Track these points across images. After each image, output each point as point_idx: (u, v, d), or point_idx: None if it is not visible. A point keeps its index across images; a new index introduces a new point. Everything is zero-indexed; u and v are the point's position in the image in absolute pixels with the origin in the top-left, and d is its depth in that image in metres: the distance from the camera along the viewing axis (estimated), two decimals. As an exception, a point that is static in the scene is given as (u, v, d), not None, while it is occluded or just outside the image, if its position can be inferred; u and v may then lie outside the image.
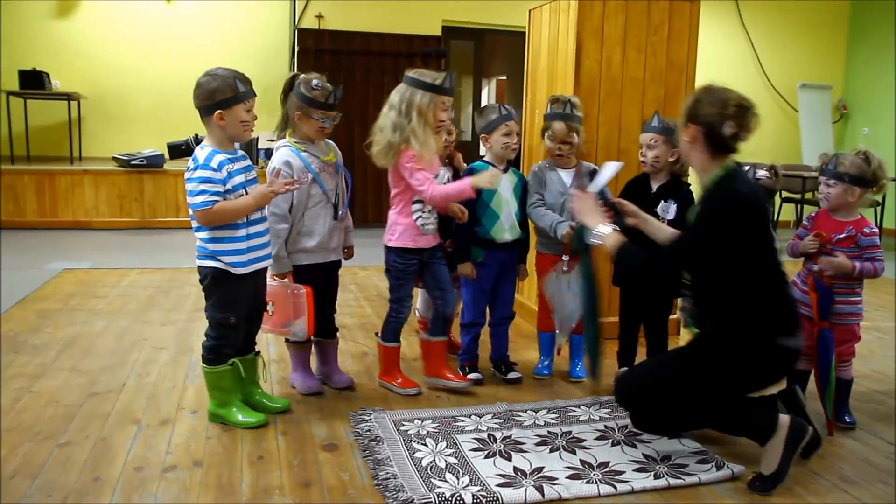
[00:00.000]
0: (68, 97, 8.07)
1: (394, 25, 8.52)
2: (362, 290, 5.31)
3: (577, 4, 4.03)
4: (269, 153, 7.23)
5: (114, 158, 7.98)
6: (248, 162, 2.92)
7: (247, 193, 2.81)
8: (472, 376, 3.44)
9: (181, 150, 7.96)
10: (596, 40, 4.08)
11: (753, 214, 2.47)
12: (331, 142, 3.23)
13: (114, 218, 7.72)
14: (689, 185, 3.33)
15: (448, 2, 8.74)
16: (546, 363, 3.61)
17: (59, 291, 4.93)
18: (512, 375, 3.49)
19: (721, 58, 9.24)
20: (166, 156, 8.03)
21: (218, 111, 2.72)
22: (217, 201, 2.71)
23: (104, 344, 3.85)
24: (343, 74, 8.01)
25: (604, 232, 2.68)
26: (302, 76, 3.09)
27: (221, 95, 2.72)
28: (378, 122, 3.15)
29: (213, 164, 2.73)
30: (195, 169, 2.72)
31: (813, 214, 3.19)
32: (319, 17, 8.33)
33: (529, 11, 4.69)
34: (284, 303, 3.04)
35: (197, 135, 7.42)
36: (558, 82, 4.26)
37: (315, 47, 8.28)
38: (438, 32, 8.79)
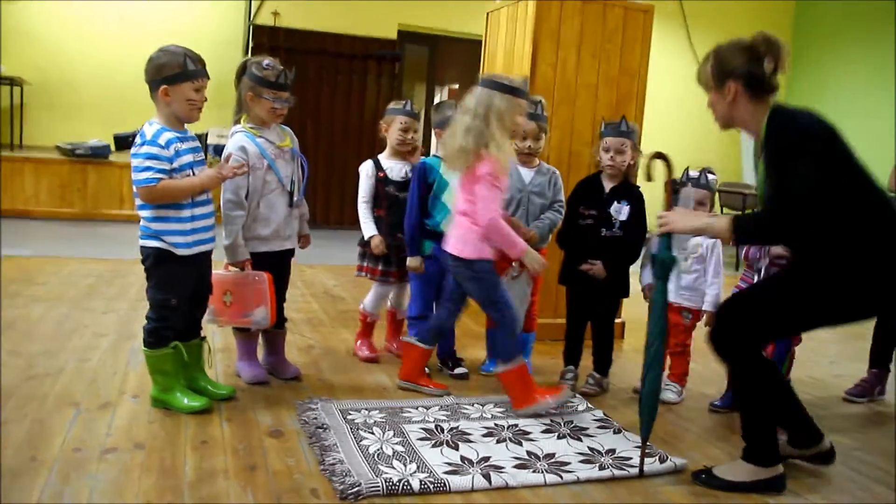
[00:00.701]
0: (11, 82, 7.82)
1: (350, 26, 8.50)
2: (309, 286, 5.27)
3: (534, 6, 4.09)
4: (218, 149, 7.13)
5: (57, 147, 7.78)
6: (197, 143, 2.89)
7: (194, 174, 2.78)
8: (419, 370, 3.45)
9: (129, 143, 7.78)
10: (552, 43, 4.14)
11: (821, 128, 2.36)
12: (286, 128, 3.22)
13: (54, 208, 7.50)
14: (639, 187, 3.40)
15: (405, 6, 8.75)
16: (493, 360, 3.63)
17: (-4, 277, 4.78)
18: (459, 371, 3.51)
19: (669, 74, 9.46)
20: (112, 147, 7.86)
21: (164, 86, 2.69)
22: (162, 179, 2.67)
23: (43, 329, 3.75)
24: (297, 73, 7.94)
25: (711, 221, 2.50)
26: (253, 58, 3.10)
27: (169, 71, 2.69)
28: (448, 128, 3.08)
29: (161, 141, 2.69)
30: (142, 145, 2.69)
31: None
32: (276, 13, 8.26)
33: (487, 14, 4.74)
34: (244, 291, 3.01)
35: (145, 126, 7.28)
36: (514, 85, 4.30)
37: (270, 44, 8.20)
38: (394, 36, 8.79)
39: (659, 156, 2.61)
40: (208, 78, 2.80)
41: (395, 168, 3.57)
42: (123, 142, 7.78)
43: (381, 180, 3.55)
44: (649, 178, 2.64)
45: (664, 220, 2.56)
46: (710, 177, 3.30)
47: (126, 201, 7.62)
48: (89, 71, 8.41)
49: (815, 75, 9.88)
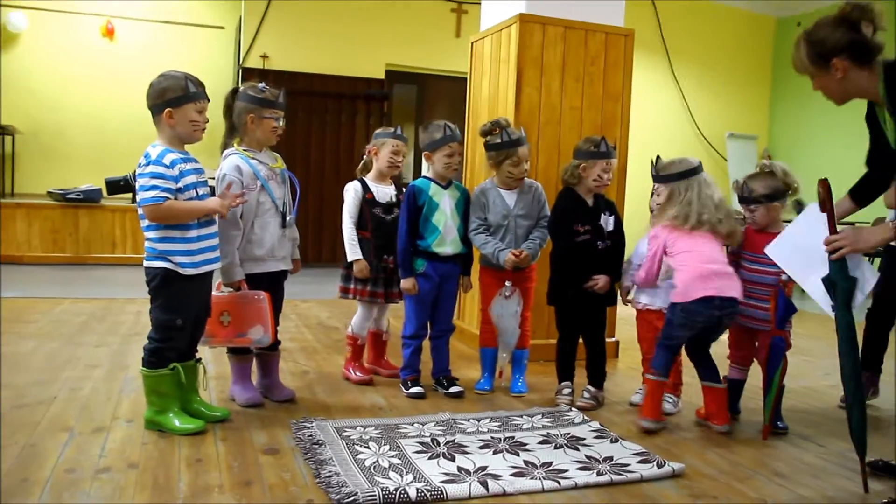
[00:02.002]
0: (3, 131, 7.91)
1: (338, 67, 8.61)
2: (303, 319, 5.27)
3: (517, 33, 4.18)
4: (212, 192, 7.16)
5: (49, 193, 7.81)
6: (199, 164, 2.93)
7: (198, 194, 2.81)
8: (413, 391, 3.44)
9: (120, 187, 7.83)
10: (535, 68, 4.22)
11: None
12: (274, 152, 3.27)
13: (46, 253, 7.50)
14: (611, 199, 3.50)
15: (392, 46, 8.88)
16: (488, 378, 3.63)
17: (-13, 317, 4.76)
18: (454, 389, 3.49)
19: (655, 108, 9.62)
20: (104, 191, 7.89)
21: (168, 109, 2.74)
22: (168, 198, 2.70)
23: (34, 362, 3.73)
24: (286, 114, 8.02)
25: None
26: (243, 85, 3.18)
27: (172, 94, 2.75)
28: (725, 206, 3.15)
29: (166, 161, 2.73)
30: (147, 165, 2.72)
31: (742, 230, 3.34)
32: (264, 56, 8.37)
33: (472, 43, 4.83)
34: (243, 311, 3.03)
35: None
36: (499, 111, 4.36)
37: (259, 87, 8.30)
38: (382, 76, 8.92)
39: (823, 183, 2.52)
40: (208, 100, 2.86)
41: (382, 191, 3.61)
42: (115, 186, 7.80)
43: (368, 202, 3.58)
44: (822, 206, 2.52)
45: (839, 243, 2.44)
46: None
47: (118, 245, 7.64)
48: (79, 119, 8.52)
49: (797, 95, 10.03)
